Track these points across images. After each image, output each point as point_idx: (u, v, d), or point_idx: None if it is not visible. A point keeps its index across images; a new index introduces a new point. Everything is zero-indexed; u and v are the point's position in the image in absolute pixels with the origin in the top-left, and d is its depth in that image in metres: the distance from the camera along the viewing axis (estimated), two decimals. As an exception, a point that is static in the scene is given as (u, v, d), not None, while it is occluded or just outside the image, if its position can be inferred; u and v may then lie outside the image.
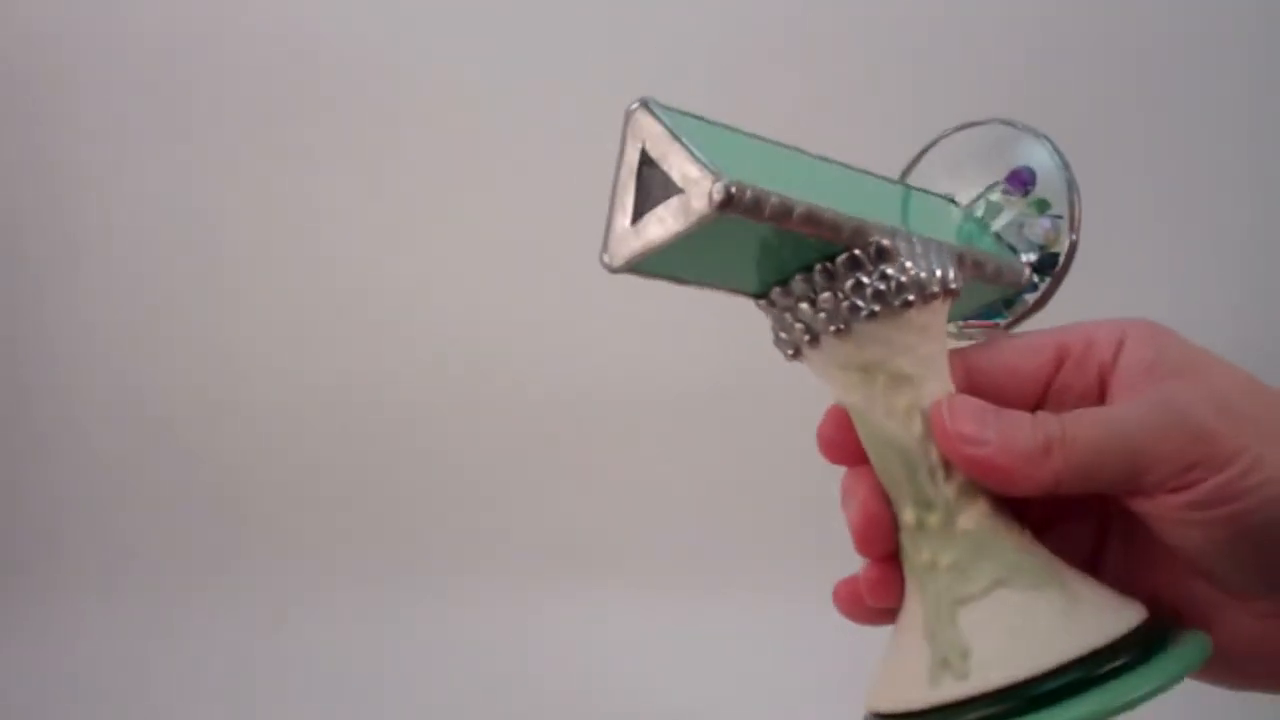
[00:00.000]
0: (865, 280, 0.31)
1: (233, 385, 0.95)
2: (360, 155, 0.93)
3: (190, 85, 0.93)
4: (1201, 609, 0.32)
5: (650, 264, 0.31)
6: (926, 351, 0.32)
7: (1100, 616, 0.30)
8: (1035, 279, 0.37)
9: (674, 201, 0.30)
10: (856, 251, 0.31)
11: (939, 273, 0.32)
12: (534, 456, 0.93)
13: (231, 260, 0.95)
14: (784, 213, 0.30)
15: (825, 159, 0.35)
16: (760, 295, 0.33)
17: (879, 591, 0.33)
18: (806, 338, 0.32)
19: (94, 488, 0.94)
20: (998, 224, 0.38)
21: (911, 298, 0.31)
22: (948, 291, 0.32)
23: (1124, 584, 0.32)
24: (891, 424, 0.32)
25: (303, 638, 0.85)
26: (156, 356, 0.95)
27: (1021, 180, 0.37)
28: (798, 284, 0.32)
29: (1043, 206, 0.37)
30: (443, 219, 0.95)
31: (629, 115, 0.31)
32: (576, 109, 0.86)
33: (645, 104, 0.31)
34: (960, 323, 0.38)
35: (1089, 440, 0.30)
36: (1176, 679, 0.29)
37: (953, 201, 0.38)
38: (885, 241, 0.31)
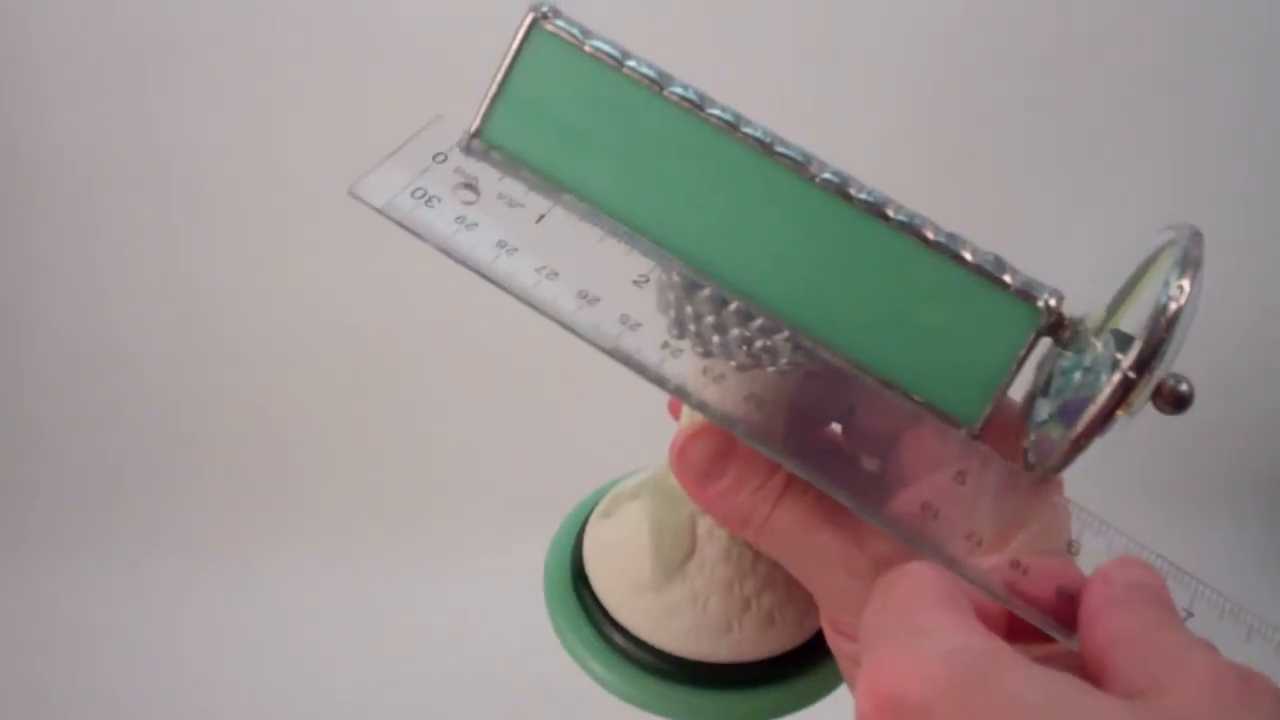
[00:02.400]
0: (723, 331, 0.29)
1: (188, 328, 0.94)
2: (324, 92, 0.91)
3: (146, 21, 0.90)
4: None
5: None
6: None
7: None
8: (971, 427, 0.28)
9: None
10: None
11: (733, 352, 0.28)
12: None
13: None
14: (550, 190, 0.29)
15: (740, 146, 0.28)
16: None
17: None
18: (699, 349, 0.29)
19: (45, 437, 0.94)
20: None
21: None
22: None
23: None
24: None
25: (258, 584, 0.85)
26: (117, 302, 0.95)
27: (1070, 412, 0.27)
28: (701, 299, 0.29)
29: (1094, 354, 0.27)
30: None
31: (529, 17, 0.29)
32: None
33: (541, 14, 0.29)
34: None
35: (780, 539, 0.30)
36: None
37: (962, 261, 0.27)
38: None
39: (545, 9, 0.29)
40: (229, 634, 0.81)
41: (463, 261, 0.29)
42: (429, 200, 0.30)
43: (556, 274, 0.28)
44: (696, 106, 0.28)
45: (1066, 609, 0.24)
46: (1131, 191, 0.95)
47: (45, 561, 0.87)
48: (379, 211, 0.29)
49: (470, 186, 0.30)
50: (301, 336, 0.94)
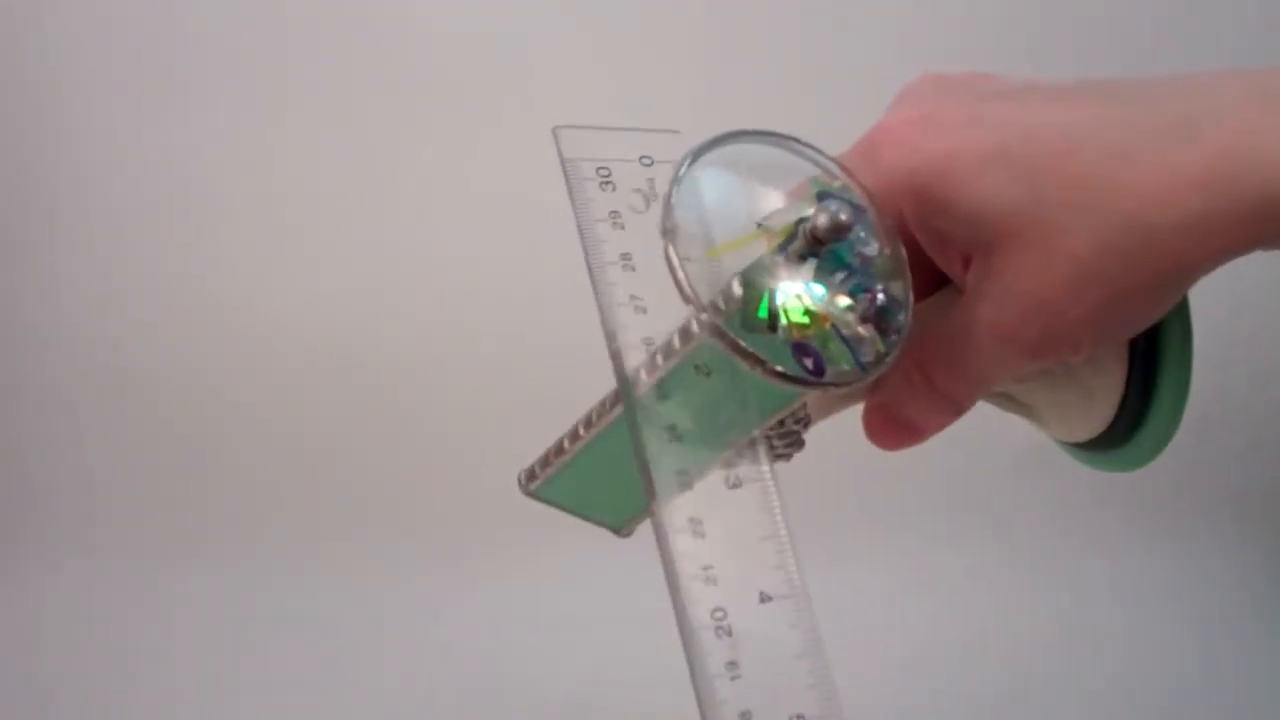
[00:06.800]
0: None
1: (202, 341, 0.92)
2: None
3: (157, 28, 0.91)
4: None
5: None
6: None
7: None
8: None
9: None
10: None
11: None
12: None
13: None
14: None
15: None
16: None
17: None
18: None
19: (62, 447, 0.91)
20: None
21: None
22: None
23: None
24: None
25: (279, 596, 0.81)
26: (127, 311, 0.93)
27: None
28: None
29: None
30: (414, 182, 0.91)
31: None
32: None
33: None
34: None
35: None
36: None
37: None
38: None
39: None
40: (227, 642, 0.77)
41: (585, 246, 0.29)
42: (604, 183, 0.30)
43: (645, 310, 0.28)
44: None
45: None
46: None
47: (49, 571, 0.84)
48: (561, 158, 0.30)
49: (646, 197, 0.30)
50: (306, 349, 0.92)
